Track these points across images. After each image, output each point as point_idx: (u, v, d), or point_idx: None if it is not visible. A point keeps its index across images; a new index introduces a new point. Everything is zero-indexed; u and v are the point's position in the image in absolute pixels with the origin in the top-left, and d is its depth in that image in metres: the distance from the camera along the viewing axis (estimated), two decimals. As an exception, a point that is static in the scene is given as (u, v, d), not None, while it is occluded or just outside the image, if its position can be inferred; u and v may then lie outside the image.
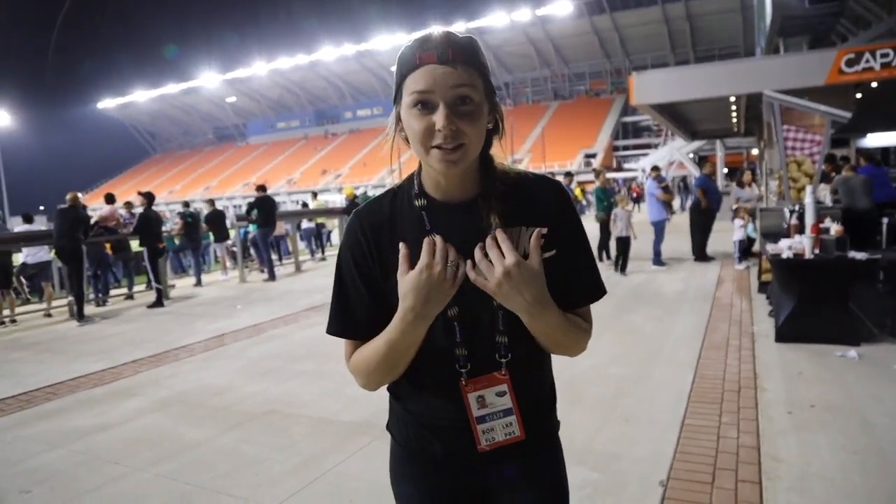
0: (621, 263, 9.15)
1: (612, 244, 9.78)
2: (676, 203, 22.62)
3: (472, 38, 1.05)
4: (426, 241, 1.03)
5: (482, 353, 1.11)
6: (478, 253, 1.02)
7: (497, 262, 1.00)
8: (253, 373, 5.09)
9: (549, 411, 1.25)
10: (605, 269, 9.37)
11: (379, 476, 3.31)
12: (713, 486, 2.77)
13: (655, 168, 10.62)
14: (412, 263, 1.04)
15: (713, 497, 2.67)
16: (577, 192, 24.75)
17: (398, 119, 1.09)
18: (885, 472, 2.83)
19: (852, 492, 2.67)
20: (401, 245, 1.06)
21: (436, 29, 1.04)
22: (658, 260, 9.51)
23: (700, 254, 9.88)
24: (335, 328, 1.18)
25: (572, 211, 1.16)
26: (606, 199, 10.03)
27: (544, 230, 1.07)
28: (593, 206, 12.02)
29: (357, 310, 1.15)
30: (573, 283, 1.14)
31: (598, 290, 1.17)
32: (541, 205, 1.13)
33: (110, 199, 10.18)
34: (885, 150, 16.10)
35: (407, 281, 1.03)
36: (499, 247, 1.01)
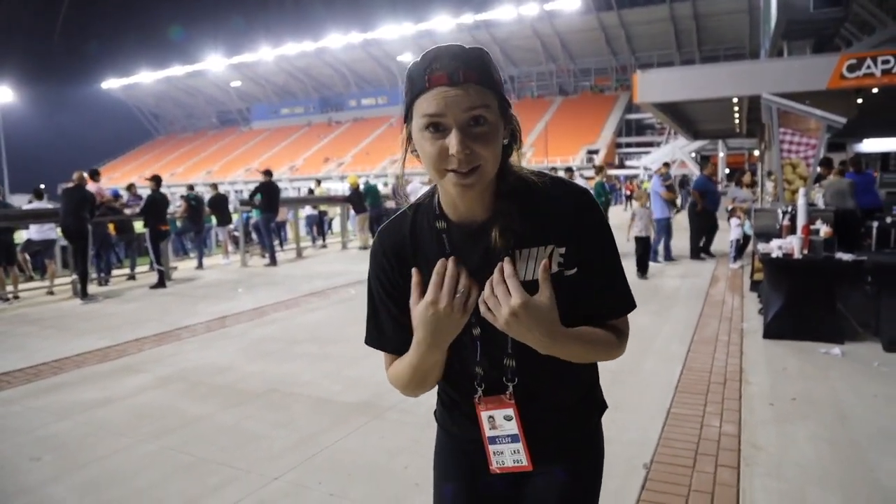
0: (641, 265, 8.47)
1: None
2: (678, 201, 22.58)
3: (483, 52, 1.01)
4: (435, 270, 1.02)
5: (493, 376, 1.12)
6: (487, 289, 1.00)
7: (503, 302, 0.97)
8: (254, 353, 5.22)
9: (566, 450, 1.22)
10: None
11: (376, 453, 3.47)
12: (694, 469, 2.92)
13: (667, 164, 10.76)
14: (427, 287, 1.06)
15: (693, 479, 2.81)
16: None
17: (409, 138, 1.05)
18: (857, 461, 2.98)
19: (825, 478, 2.81)
20: (413, 271, 1.07)
21: (444, 47, 1.00)
22: (667, 255, 9.64)
23: (695, 253, 10.03)
24: (370, 341, 1.22)
25: (598, 222, 1.11)
26: (605, 195, 10.15)
27: (560, 250, 1.07)
28: None
29: (388, 327, 1.17)
30: (601, 299, 1.11)
31: (628, 305, 1.13)
32: (560, 220, 1.08)
33: (94, 175, 10.02)
34: (886, 156, 16.21)
35: (417, 313, 1.04)
36: (505, 283, 0.98)
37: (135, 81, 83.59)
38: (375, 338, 1.21)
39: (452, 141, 0.95)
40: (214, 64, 75.62)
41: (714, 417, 3.56)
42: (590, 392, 1.25)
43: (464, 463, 1.26)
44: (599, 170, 10.71)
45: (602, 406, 1.28)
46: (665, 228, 9.73)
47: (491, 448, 1.15)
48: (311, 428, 3.59)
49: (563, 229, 1.07)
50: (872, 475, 2.84)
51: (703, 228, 9.99)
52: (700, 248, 10.08)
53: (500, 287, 0.98)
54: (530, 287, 1.01)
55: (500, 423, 1.13)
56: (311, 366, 4.83)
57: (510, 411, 1.11)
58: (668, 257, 9.75)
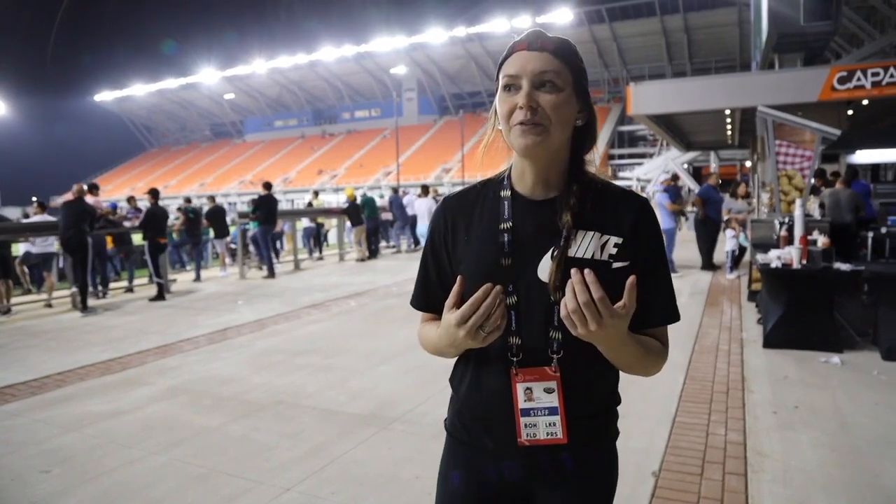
0: None
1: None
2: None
3: (570, 41, 1.12)
4: (478, 293, 1.02)
5: (535, 346, 1.12)
6: (571, 301, 0.97)
7: (593, 320, 0.96)
8: (258, 365, 5.23)
9: (601, 428, 1.22)
10: None
11: (386, 464, 3.50)
12: (702, 476, 2.96)
13: (675, 177, 10.88)
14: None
15: (702, 487, 2.86)
16: None
17: (495, 113, 1.15)
18: (860, 468, 3.03)
19: (830, 484, 2.86)
20: (458, 278, 1.08)
21: (537, 27, 1.12)
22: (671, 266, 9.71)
23: (707, 263, 10.10)
24: (413, 301, 1.30)
25: (655, 230, 1.17)
26: None
27: (617, 240, 1.11)
28: None
29: (429, 286, 1.26)
30: (649, 304, 1.12)
31: (673, 314, 1.17)
32: (621, 216, 1.14)
33: (93, 189, 10.20)
34: (875, 167, 16.40)
35: (444, 319, 1.08)
36: (595, 304, 0.96)
37: (128, 94, 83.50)
38: (416, 297, 1.29)
39: (521, 94, 1.06)
40: (208, 76, 75.69)
41: (719, 426, 3.60)
42: (614, 395, 1.24)
43: (472, 477, 1.23)
44: None
45: (616, 431, 1.26)
46: (672, 239, 9.81)
47: (523, 420, 1.13)
48: (320, 439, 3.61)
49: (624, 224, 1.13)
50: (876, 481, 2.89)
51: (713, 238, 10.06)
52: (709, 259, 10.14)
53: (589, 308, 0.95)
54: (576, 263, 1.08)
55: (537, 395, 1.12)
56: (314, 377, 4.85)
57: (553, 384, 1.11)
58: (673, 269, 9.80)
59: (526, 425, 1.13)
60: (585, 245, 1.10)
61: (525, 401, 1.13)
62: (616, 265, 1.11)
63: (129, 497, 2.97)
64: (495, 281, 1.08)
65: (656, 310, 1.16)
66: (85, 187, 8.45)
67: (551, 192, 1.15)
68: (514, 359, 1.13)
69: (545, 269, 1.10)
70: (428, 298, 1.27)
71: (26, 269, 10.50)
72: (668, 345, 1.19)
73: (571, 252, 1.10)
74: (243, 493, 2.96)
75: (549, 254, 1.10)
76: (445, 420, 1.33)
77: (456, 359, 1.26)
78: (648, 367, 1.15)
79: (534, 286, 1.11)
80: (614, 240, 1.11)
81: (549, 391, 1.11)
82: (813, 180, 7.47)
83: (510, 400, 1.13)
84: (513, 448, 1.15)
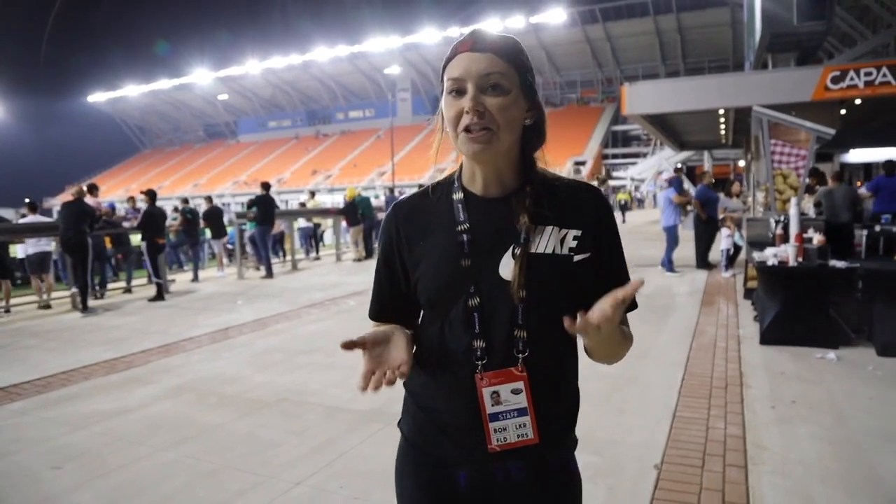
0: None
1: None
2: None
3: (515, 39, 1.09)
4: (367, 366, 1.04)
5: (500, 347, 1.09)
6: (609, 308, 0.95)
7: (612, 318, 0.96)
8: (260, 364, 5.28)
9: (569, 424, 1.20)
10: None
11: (392, 459, 3.52)
12: (703, 469, 3.03)
13: (679, 169, 10.91)
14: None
15: (703, 478, 2.93)
16: None
17: (441, 113, 1.12)
18: (858, 460, 3.10)
19: (828, 476, 2.94)
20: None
21: (478, 26, 1.09)
22: (671, 267, 9.79)
23: (702, 262, 10.19)
24: (370, 313, 1.26)
25: (611, 220, 1.17)
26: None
27: (576, 232, 1.11)
28: None
29: (382, 298, 1.23)
30: (611, 289, 1.10)
31: (634, 301, 1.11)
32: (577, 209, 1.13)
33: (93, 189, 10.28)
34: (868, 166, 16.55)
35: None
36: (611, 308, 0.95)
37: (121, 95, 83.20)
38: (373, 309, 1.25)
39: (467, 98, 1.04)
40: (201, 77, 75.51)
41: (718, 420, 3.67)
42: (577, 392, 1.22)
43: (431, 485, 1.20)
44: (603, 181, 10.88)
45: (575, 440, 1.24)
46: (674, 237, 9.90)
47: (492, 426, 1.09)
48: (326, 435, 3.67)
49: (581, 216, 1.12)
50: (874, 472, 2.97)
51: (711, 237, 10.16)
52: (705, 257, 10.23)
53: (618, 310, 0.96)
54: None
55: (505, 397, 1.08)
56: (318, 375, 4.90)
57: (520, 384, 1.08)
58: (671, 269, 9.86)
59: (496, 430, 1.09)
60: (545, 240, 1.10)
61: (493, 405, 1.09)
62: (577, 258, 1.10)
63: (141, 492, 3.02)
64: (457, 282, 1.09)
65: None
66: (85, 188, 8.47)
67: (505, 190, 1.14)
68: (479, 363, 1.09)
69: (507, 267, 1.08)
70: (381, 310, 1.24)
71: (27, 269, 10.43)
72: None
73: (532, 248, 1.09)
74: (253, 488, 3.01)
75: (510, 252, 1.09)
76: (400, 423, 1.29)
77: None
78: (622, 354, 1.15)
79: (496, 286, 1.08)
80: (573, 233, 1.11)
81: (516, 392, 1.08)
82: (808, 179, 7.58)
83: (476, 406, 1.10)
84: (480, 455, 1.12)
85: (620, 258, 1.18)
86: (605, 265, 1.14)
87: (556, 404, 1.15)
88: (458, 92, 1.05)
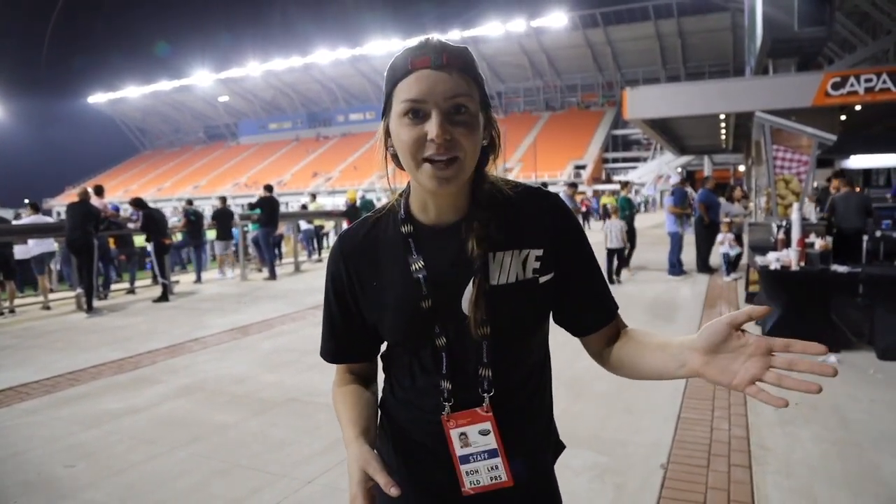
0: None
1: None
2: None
3: (467, 48, 0.98)
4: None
5: (465, 387, 1.03)
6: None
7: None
8: (268, 364, 5.33)
9: (546, 437, 1.16)
10: (623, 277, 9.91)
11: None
12: (708, 469, 3.08)
13: (683, 181, 11.07)
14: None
15: (709, 478, 2.98)
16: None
17: (387, 133, 1.00)
18: (860, 460, 3.16)
19: (831, 476, 2.99)
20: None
21: (428, 38, 0.96)
22: (674, 270, 9.86)
23: (704, 266, 10.26)
24: (323, 353, 1.17)
25: (574, 226, 1.08)
26: (629, 209, 10.44)
27: (537, 252, 1.03)
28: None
29: (336, 336, 1.13)
30: (593, 305, 1.08)
31: (614, 308, 1.10)
32: (534, 224, 1.04)
33: (99, 191, 10.36)
34: (867, 172, 16.65)
35: (351, 471, 0.95)
36: None
37: (121, 96, 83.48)
38: (327, 349, 1.15)
39: (432, 125, 0.90)
40: (201, 79, 75.76)
41: (722, 421, 3.73)
42: (550, 427, 1.19)
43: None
44: (624, 185, 10.99)
45: (560, 445, 1.21)
46: (678, 242, 9.98)
47: (463, 468, 1.03)
48: (337, 434, 3.66)
49: (538, 232, 1.03)
50: (877, 473, 3.02)
51: (712, 241, 10.22)
52: (706, 261, 10.30)
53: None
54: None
55: (473, 439, 1.03)
56: (326, 376, 4.92)
57: (487, 425, 1.02)
58: (679, 271, 9.93)
59: (467, 472, 1.04)
60: (507, 268, 1.01)
61: (462, 447, 1.03)
62: (543, 279, 1.03)
63: (155, 489, 3.06)
64: (420, 325, 1.02)
65: (602, 309, 1.09)
66: (90, 189, 8.52)
67: (459, 214, 1.03)
68: (447, 403, 1.03)
69: (469, 302, 1.00)
70: (338, 349, 1.14)
71: (52, 268, 10.40)
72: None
73: (493, 279, 1.00)
74: (266, 486, 3.05)
75: (471, 284, 0.99)
76: (377, 444, 1.16)
77: (384, 372, 1.18)
78: None
79: (461, 323, 1.00)
80: (534, 253, 1.02)
81: (484, 433, 1.03)
82: (828, 182, 7.70)
83: (446, 448, 1.04)
84: (457, 496, 1.06)
85: (592, 268, 1.09)
86: (575, 279, 1.07)
87: (528, 444, 1.10)
88: (417, 114, 0.92)
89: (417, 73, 0.92)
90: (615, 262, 9.37)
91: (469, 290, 0.99)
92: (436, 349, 1.02)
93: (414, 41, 0.96)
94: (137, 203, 9.51)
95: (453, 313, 1.00)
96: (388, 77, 0.97)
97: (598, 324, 1.09)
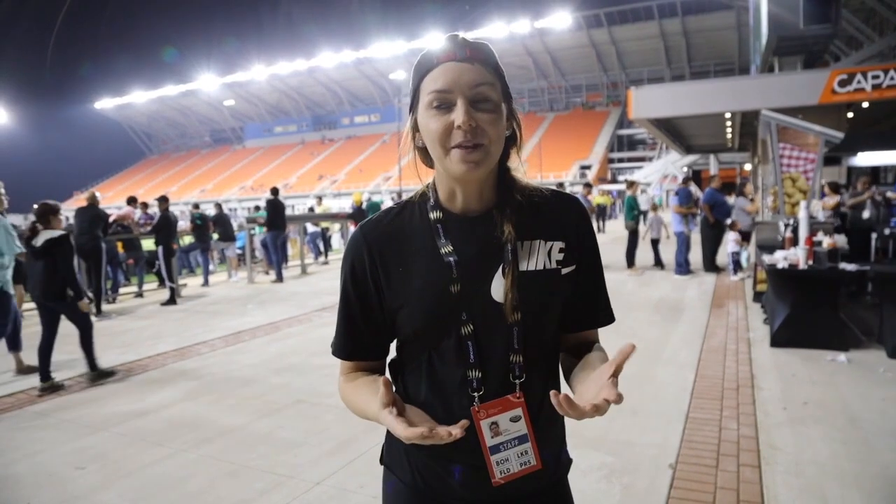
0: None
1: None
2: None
3: (488, 44, 1.03)
4: (445, 432, 0.88)
5: (496, 375, 1.03)
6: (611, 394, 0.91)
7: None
8: (276, 366, 5.34)
9: (564, 444, 1.19)
10: (630, 277, 9.92)
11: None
12: (717, 469, 3.07)
13: (686, 180, 11.12)
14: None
15: (718, 477, 2.97)
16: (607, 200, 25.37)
17: (415, 127, 1.05)
18: (870, 460, 3.14)
19: (842, 475, 2.97)
20: (382, 381, 0.91)
21: (453, 33, 1.02)
22: (680, 269, 9.84)
23: (709, 265, 10.24)
24: (335, 349, 1.15)
25: (591, 230, 1.14)
26: (636, 208, 10.43)
27: (561, 244, 1.08)
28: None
29: (354, 331, 1.12)
30: (589, 305, 1.13)
31: (609, 317, 1.16)
32: (559, 220, 1.10)
33: (131, 200, 10.71)
34: (875, 170, 16.55)
35: (384, 418, 0.89)
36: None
37: (128, 101, 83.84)
38: (341, 345, 1.13)
39: (459, 112, 0.96)
40: (207, 83, 75.96)
41: (731, 421, 3.72)
42: (564, 423, 1.18)
43: None
44: (631, 184, 11.00)
45: (569, 461, 1.21)
46: (685, 242, 9.96)
47: (493, 458, 1.02)
48: (345, 435, 3.72)
49: (563, 226, 1.09)
50: (887, 472, 3.00)
51: (718, 240, 10.20)
52: (713, 261, 10.29)
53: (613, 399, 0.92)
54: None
55: (504, 427, 1.02)
56: (332, 378, 4.92)
57: (518, 411, 1.03)
58: (686, 271, 9.91)
59: (498, 463, 1.03)
60: (534, 256, 1.05)
61: (492, 437, 1.02)
62: (565, 271, 1.07)
63: (166, 491, 3.08)
64: (447, 310, 1.02)
65: (601, 311, 1.15)
66: (97, 194, 8.57)
67: (485, 205, 1.07)
68: (476, 394, 1.02)
69: (499, 289, 1.02)
70: (353, 345, 1.12)
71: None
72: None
73: (522, 266, 1.04)
74: (275, 487, 3.07)
75: (500, 272, 1.02)
76: (385, 459, 1.21)
77: (394, 380, 1.15)
78: None
79: (490, 309, 1.02)
80: (558, 245, 1.07)
81: (515, 420, 1.03)
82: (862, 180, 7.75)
83: (476, 441, 1.02)
84: (481, 493, 1.06)
85: (600, 275, 1.15)
86: (584, 280, 1.12)
87: (556, 427, 1.13)
88: (444, 105, 0.97)
89: (443, 65, 0.99)
90: (658, 251, 10.75)
91: (499, 277, 1.02)
92: (460, 338, 1.02)
93: (434, 40, 1.03)
94: (163, 200, 9.61)
95: (481, 300, 1.02)
96: (414, 72, 1.03)
97: (603, 321, 1.15)
